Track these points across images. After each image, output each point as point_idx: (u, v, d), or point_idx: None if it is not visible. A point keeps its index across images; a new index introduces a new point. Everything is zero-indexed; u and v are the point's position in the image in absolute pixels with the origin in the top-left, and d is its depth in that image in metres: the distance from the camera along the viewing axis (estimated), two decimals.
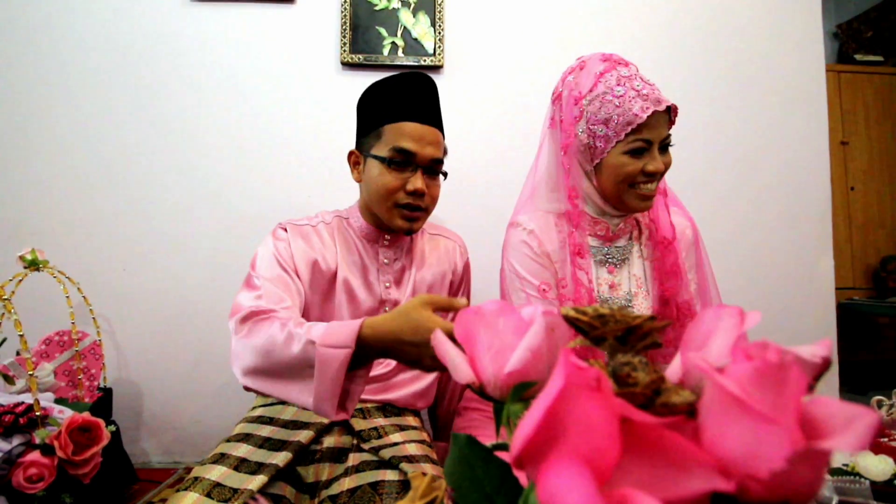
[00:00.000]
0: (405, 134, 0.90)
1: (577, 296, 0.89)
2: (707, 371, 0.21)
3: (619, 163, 0.86)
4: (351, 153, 0.98)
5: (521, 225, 0.96)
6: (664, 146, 0.88)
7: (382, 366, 0.96)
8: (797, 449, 0.18)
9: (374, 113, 0.94)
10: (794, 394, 0.20)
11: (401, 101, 0.92)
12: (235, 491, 0.71)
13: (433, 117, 0.94)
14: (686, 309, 0.92)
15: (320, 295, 0.95)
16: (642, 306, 0.91)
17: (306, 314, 0.92)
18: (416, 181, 0.90)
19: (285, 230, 0.96)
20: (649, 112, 0.83)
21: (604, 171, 0.88)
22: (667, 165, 0.88)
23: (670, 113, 0.86)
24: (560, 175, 0.93)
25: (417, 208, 0.92)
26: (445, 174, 0.97)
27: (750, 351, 0.22)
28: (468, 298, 1.12)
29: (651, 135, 0.85)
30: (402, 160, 0.90)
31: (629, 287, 0.92)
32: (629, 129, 0.84)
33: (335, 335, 0.66)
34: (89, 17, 1.44)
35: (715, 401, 0.21)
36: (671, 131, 0.88)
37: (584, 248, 0.91)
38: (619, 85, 0.85)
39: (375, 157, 0.91)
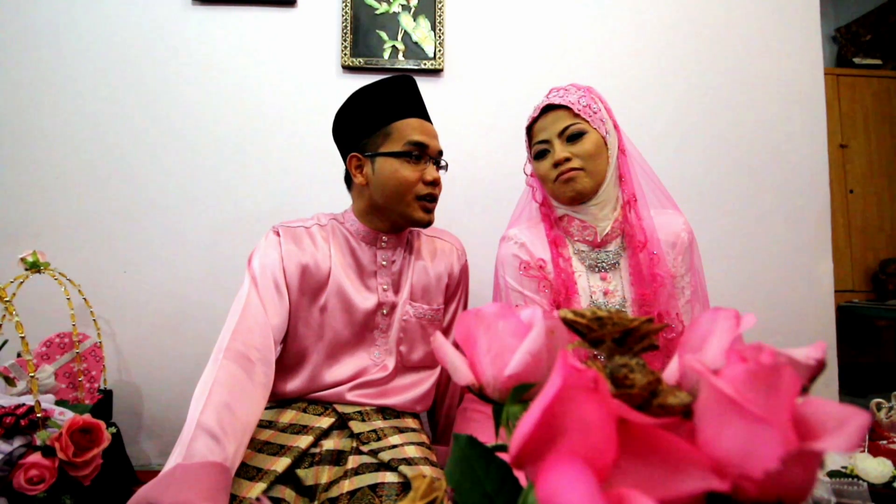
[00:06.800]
0: (415, 128, 0.94)
1: (558, 279, 0.93)
2: (702, 373, 0.22)
3: (536, 168, 0.96)
4: (353, 157, 0.97)
5: (511, 238, 0.99)
6: (572, 136, 0.90)
7: (380, 368, 0.96)
8: (790, 449, 0.19)
9: (376, 114, 0.95)
10: (788, 395, 0.21)
11: (402, 101, 0.96)
12: (235, 497, 0.71)
13: (428, 115, 1.00)
14: (668, 318, 0.91)
15: (309, 298, 0.95)
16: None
17: (294, 319, 0.94)
18: (433, 171, 0.96)
19: (277, 234, 0.97)
20: (532, 118, 0.95)
21: (542, 181, 0.96)
22: (579, 154, 0.89)
23: (568, 108, 0.90)
24: (529, 193, 1.05)
25: (434, 198, 0.97)
26: (447, 166, 1.01)
27: (744, 353, 0.22)
28: (465, 302, 1.12)
29: (545, 134, 0.92)
30: (417, 153, 0.94)
31: (623, 293, 0.92)
32: (527, 138, 0.98)
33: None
34: (91, 20, 1.45)
35: (710, 402, 0.21)
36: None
37: (563, 242, 0.95)
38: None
39: (389, 155, 0.93)
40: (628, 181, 0.94)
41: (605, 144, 0.91)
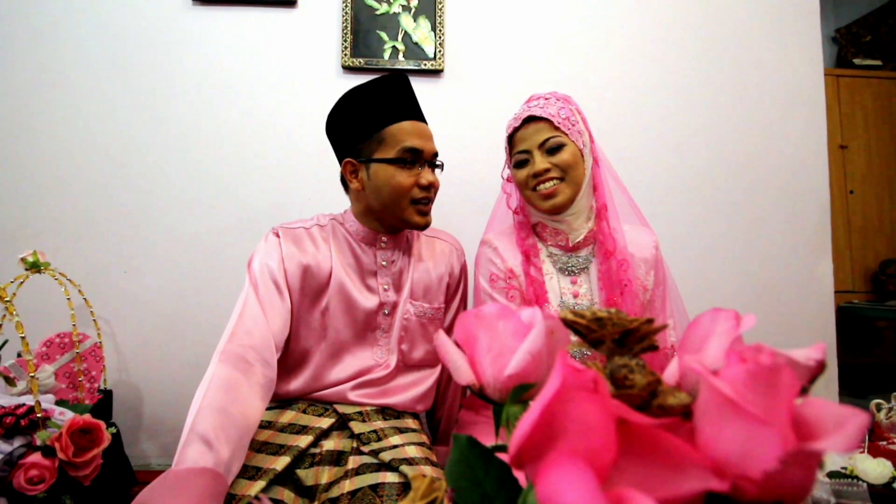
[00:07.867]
0: (409, 133, 0.93)
1: (529, 288, 0.97)
2: (701, 373, 0.22)
3: (515, 175, 0.99)
4: (347, 163, 0.97)
5: (486, 243, 1.04)
6: (551, 148, 0.94)
7: (382, 367, 0.97)
8: (789, 449, 0.19)
9: (369, 118, 0.94)
10: (787, 396, 0.21)
11: (395, 102, 0.94)
12: (234, 496, 0.71)
13: (422, 114, 0.98)
14: None
15: (311, 299, 0.95)
16: None
17: (296, 320, 0.94)
18: (429, 175, 0.95)
19: (277, 235, 0.97)
20: (513, 127, 0.97)
21: (520, 188, 0.99)
22: (559, 164, 0.93)
23: (549, 121, 0.94)
24: (505, 199, 1.09)
25: (430, 201, 0.97)
26: (442, 166, 1.01)
27: (744, 354, 0.22)
28: (465, 301, 1.12)
29: (526, 145, 0.95)
30: (411, 159, 0.93)
31: (592, 296, 0.97)
32: (508, 145, 1.01)
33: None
34: (92, 20, 1.45)
35: (709, 402, 0.21)
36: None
37: (536, 249, 0.99)
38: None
39: (383, 161, 0.92)
40: (601, 191, 0.99)
41: (582, 156, 0.96)
